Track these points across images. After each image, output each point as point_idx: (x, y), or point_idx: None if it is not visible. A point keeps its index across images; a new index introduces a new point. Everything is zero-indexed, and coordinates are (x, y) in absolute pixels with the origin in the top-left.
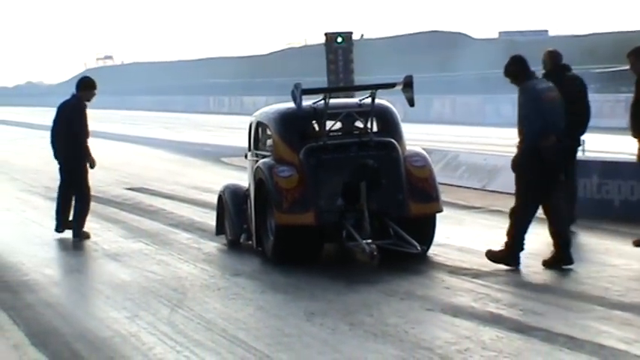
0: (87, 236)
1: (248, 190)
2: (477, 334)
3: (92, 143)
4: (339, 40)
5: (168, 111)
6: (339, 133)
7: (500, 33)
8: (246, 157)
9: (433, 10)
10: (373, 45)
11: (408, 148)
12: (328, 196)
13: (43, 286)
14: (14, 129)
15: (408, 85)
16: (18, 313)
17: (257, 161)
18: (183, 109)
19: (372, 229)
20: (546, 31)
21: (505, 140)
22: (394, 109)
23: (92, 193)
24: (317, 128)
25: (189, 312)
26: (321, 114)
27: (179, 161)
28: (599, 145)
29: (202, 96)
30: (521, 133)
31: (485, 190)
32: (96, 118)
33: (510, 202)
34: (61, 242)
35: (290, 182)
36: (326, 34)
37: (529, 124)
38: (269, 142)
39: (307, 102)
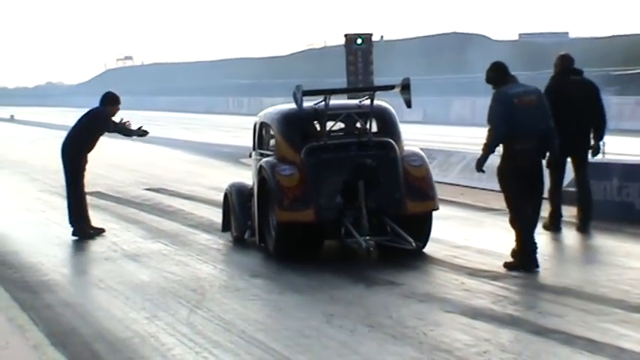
0: (89, 235)
1: (253, 188)
2: (496, 337)
3: (111, 144)
4: (359, 41)
5: (187, 112)
6: (341, 133)
7: (520, 35)
8: (250, 156)
9: (453, 12)
10: (393, 46)
11: (406, 148)
12: (328, 194)
13: (62, 287)
14: (34, 129)
15: (405, 87)
16: (38, 313)
17: (260, 160)
18: (202, 110)
19: (370, 226)
20: (567, 33)
21: None
22: (393, 111)
23: (111, 193)
24: (318, 128)
25: (208, 313)
26: (321, 115)
27: (198, 162)
28: (620, 147)
29: (222, 97)
30: (488, 136)
31: None
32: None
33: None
34: (80, 243)
35: (291, 180)
36: (346, 36)
37: (494, 127)
38: (272, 141)
39: (309, 103)
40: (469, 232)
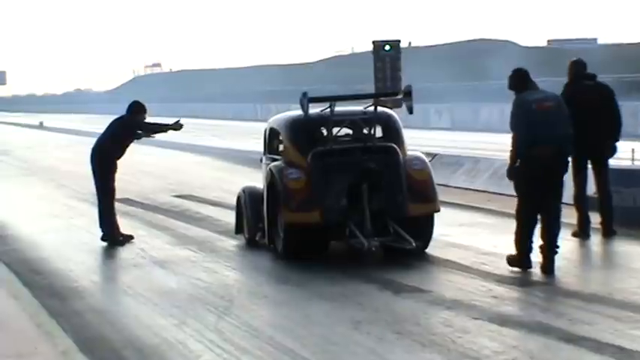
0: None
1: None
2: (525, 344)
3: (140, 150)
4: (387, 47)
5: (215, 118)
6: (347, 139)
7: (548, 41)
8: (261, 160)
9: (481, 18)
10: (421, 53)
11: (409, 152)
12: (333, 197)
13: (90, 293)
14: (62, 136)
15: (407, 94)
16: (66, 319)
17: (270, 164)
18: (230, 117)
19: (374, 227)
20: (595, 39)
21: None
22: (396, 117)
23: (140, 200)
24: (325, 134)
25: (237, 319)
26: (327, 121)
27: (226, 168)
28: None
29: (249, 103)
30: (513, 142)
31: None
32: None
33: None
34: (109, 249)
35: (298, 183)
36: (374, 42)
37: (517, 133)
38: (281, 146)
39: (317, 109)
40: (497, 239)
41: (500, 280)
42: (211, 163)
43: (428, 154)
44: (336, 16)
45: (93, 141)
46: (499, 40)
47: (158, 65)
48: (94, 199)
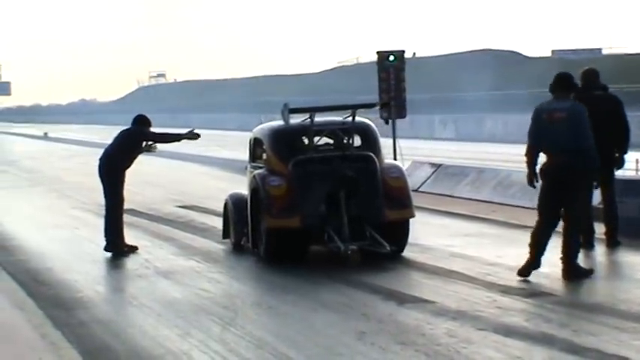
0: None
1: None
2: (529, 355)
3: (144, 161)
4: (391, 58)
5: (220, 129)
6: (327, 148)
7: (553, 51)
8: (246, 168)
9: (486, 29)
10: (425, 63)
11: (386, 161)
12: (313, 203)
13: (95, 304)
14: (67, 146)
15: (384, 104)
16: (71, 330)
17: (254, 172)
18: (235, 127)
19: (352, 232)
20: (600, 49)
21: None
22: (374, 127)
23: (144, 210)
24: (306, 143)
25: (241, 330)
26: (308, 130)
27: (231, 179)
28: None
29: (254, 114)
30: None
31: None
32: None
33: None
34: (113, 260)
35: (279, 190)
36: (378, 53)
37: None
38: (264, 155)
39: (298, 120)
40: (502, 250)
41: (504, 290)
42: (216, 173)
43: (432, 165)
44: (341, 27)
45: (98, 152)
46: (504, 51)
47: (163, 75)
48: (99, 209)
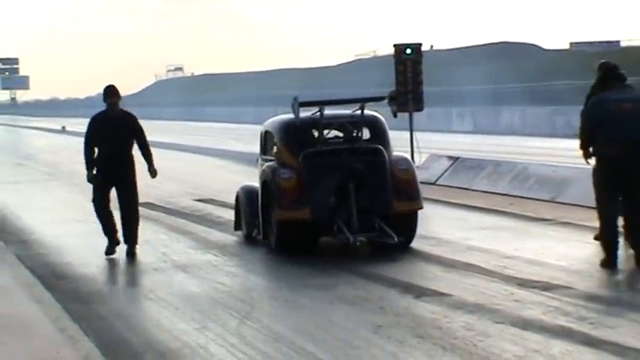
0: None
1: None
2: (547, 348)
3: (161, 154)
4: (408, 51)
5: (237, 122)
6: (337, 140)
7: (571, 43)
8: (257, 161)
9: (503, 21)
10: (443, 56)
11: (394, 153)
12: (322, 195)
13: (113, 297)
14: None
15: (392, 98)
16: (89, 324)
17: (264, 165)
18: (251, 121)
19: (360, 224)
20: (618, 41)
21: (575, 152)
22: (383, 119)
23: (161, 204)
24: (316, 136)
25: (258, 323)
26: (317, 124)
27: (248, 172)
28: None
29: (271, 107)
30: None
31: (555, 202)
32: (165, 129)
33: (581, 214)
34: (130, 254)
35: (290, 183)
36: (395, 46)
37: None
38: (275, 148)
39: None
40: (519, 243)
41: (521, 283)
42: (233, 166)
43: (450, 158)
44: (358, 20)
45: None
46: (522, 43)
47: (180, 69)
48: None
